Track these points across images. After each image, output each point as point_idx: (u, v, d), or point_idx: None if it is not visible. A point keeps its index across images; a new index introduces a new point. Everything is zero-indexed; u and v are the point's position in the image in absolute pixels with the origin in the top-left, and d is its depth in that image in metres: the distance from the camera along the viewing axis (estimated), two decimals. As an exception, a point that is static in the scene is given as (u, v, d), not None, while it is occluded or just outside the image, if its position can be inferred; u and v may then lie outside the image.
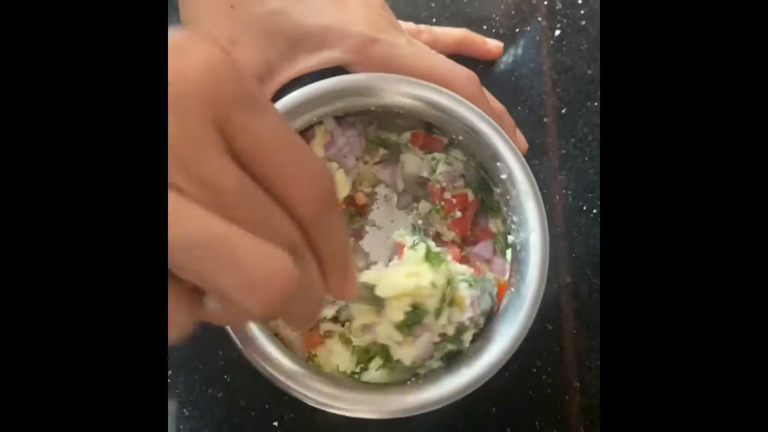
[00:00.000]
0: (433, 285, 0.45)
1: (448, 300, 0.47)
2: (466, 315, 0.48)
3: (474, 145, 0.49)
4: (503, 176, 0.48)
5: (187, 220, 0.23)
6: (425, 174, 0.54)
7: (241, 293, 0.24)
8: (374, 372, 0.49)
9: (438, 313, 0.46)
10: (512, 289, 0.48)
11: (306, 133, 0.52)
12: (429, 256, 0.46)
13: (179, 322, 0.26)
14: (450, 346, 0.48)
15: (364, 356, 0.49)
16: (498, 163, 0.48)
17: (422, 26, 0.58)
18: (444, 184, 0.53)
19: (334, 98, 0.48)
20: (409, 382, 0.47)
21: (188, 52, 0.25)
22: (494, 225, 0.54)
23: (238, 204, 0.25)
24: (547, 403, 0.56)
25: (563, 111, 0.60)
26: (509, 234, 0.50)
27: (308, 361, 0.50)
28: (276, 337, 0.48)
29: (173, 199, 0.23)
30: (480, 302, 0.48)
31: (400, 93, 0.48)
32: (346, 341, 0.50)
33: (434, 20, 0.61)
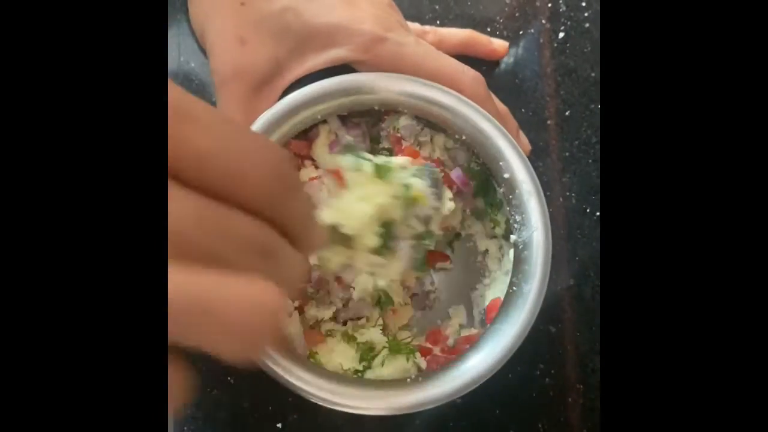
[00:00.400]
0: (394, 197, 0.44)
1: (411, 202, 0.45)
2: (431, 206, 0.46)
3: (477, 145, 0.50)
4: (506, 176, 0.48)
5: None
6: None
7: (232, 348, 0.24)
8: (378, 370, 0.49)
9: (406, 219, 0.45)
10: (514, 288, 0.48)
11: (310, 132, 0.53)
12: (378, 171, 0.44)
13: (181, 390, 0.25)
14: (426, 242, 0.47)
15: (368, 354, 0.50)
16: (501, 163, 0.48)
17: (427, 27, 0.59)
18: (401, 134, 0.53)
19: (336, 97, 0.49)
20: (409, 380, 0.47)
21: None
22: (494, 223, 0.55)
23: (199, 236, 0.24)
24: (550, 405, 0.56)
25: (567, 113, 0.60)
26: (512, 233, 0.50)
27: (309, 358, 0.50)
28: None
29: None
30: (432, 190, 0.46)
31: (403, 92, 0.49)
32: (350, 339, 0.50)
33: (438, 22, 0.61)
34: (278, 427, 0.54)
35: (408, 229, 0.45)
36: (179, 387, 0.24)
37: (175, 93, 0.24)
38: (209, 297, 0.23)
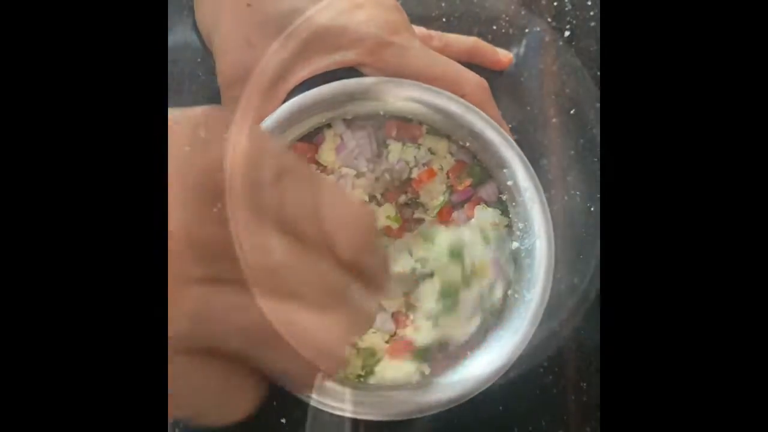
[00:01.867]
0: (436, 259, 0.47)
1: (470, 270, 0.47)
2: (494, 282, 0.48)
3: (481, 152, 0.49)
4: (509, 183, 0.48)
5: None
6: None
7: (296, 373, 0.28)
8: (381, 375, 0.50)
9: (467, 284, 0.47)
10: (516, 295, 0.48)
11: (315, 137, 0.53)
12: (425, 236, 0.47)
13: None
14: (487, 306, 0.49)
15: (371, 359, 0.50)
16: (504, 170, 0.48)
17: (433, 32, 0.58)
18: (403, 176, 0.53)
19: (341, 101, 0.49)
20: (408, 386, 0.47)
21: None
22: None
23: (289, 274, 0.27)
24: (553, 403, 0.57)
25: (572, 112, 0.60)
26: (514, 241, 0.50)
27: None
28: None
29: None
30: (501, 255, 0.49)
31: (406, 98, 0.49)
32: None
33: (444, 20, 0.61)
34: (282, 423, 0.55)
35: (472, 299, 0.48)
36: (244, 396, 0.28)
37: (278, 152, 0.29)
38: (288, 322, 0.26)
